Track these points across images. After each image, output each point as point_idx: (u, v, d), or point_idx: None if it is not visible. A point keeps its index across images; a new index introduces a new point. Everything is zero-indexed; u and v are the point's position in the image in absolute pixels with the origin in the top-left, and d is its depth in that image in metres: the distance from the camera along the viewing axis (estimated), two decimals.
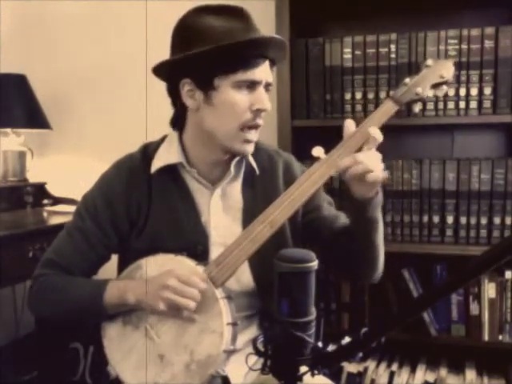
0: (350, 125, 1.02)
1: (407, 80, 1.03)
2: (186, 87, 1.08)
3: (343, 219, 1.19)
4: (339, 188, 1.77)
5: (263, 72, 1.06)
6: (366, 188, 1.01)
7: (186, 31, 1.08)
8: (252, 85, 1.05)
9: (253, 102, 1.06)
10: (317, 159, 1.01)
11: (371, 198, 1.03)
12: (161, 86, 1.15)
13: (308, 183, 1.01)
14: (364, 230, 1.07)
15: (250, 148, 1.11)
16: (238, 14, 1.06)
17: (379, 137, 0.99)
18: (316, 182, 1.00)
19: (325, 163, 1.01)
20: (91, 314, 1.10)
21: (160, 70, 1.10)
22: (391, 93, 1.05)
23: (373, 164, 0.97)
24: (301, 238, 1.21)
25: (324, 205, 1.20)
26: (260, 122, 1.09)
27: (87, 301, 1.09)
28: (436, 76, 1.03)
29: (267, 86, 1.09)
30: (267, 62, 1.08)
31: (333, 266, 1.28)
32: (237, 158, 1.15)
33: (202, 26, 1.05)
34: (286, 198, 1.01)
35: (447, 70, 1.03)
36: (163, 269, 1.04)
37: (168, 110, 1.19)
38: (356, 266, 1.14)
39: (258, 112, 1.07)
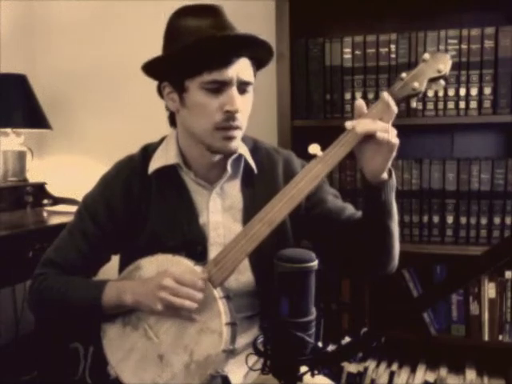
0: (361, 105, 1.01)
1: (404, 75, 1.01)
2: (166, 90, 1.10)
3: (351, 210, 1.18)
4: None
5: (235, 71, 1.03)
6: (380, 158, 0.99)
7: (166, 33, 1.09)
8: (221, 85, 1.03)
9: (222, 103, 1.04)
10: (314, 156, 1.01)
11: (384, 182, 1.02)
12: None
13: (305, 181, 1.00)
14: (378, 216, 1.05)
15: (233, 144, 1.09)
16: (209, 12, 1.05)
17: (393, 105, 0.99)
18: (313, 179, 1.00)
19: (321, 160, 1.00)
20: (90, 314, 1.10)
21: (148, 71, 1.11)
22: (388, 88, 1.04)
23: (386, 127, 0.97)
24: (306, 234, 1.20)
25: (328, 198, 1.19)
26: (234, 123, 1.06)
27: (86, 301, 1.09)
28: (433, 70, 1.01)
29: (243, 84, 1.06)
30: (244, 60, 1.05)
31: (343, 261, 1.26)
32: (233, 157, 1.15)
33: (175, 28, 1.06)
34: (283, 195, 1.01)
35: (444, 63, 1.01)
36: (161, 269, 1.04)
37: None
38: (370, 256, 1.10)
39: (229, 113, 1.05)
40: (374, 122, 0.97)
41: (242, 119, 1.07)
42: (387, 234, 1.07)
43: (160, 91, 1.13)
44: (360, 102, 1.01)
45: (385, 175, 1.02)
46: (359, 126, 0.98)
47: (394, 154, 0.99)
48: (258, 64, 1.11)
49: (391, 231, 1.07)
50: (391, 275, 1.16)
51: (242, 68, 1.04)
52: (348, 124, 0.99)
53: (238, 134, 1.09)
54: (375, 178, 1.02)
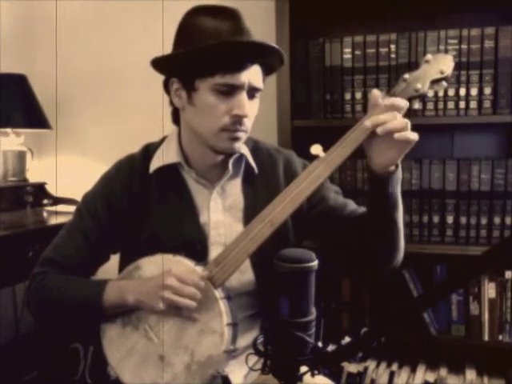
0: (376, 94, 0.99)
1: (406, 76, 1.01)
2: (174, 86, 1.10)
3: (353, 206, 1.18)
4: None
5: (247, 76, 1.04)
6: (394, 152, 0.97)
7: (180, 30, 1.09)
8: (231, 89, 1.03)
9: (231, 106, 1.04)
10: (315, 157, 1.01)
11: (391, 173, 1.01)
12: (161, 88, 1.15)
13: (307, 182, 1.00)
14: (384, 209, 1.04)
15: (237, 145, 1.10)
16: (228, 14, 1.05)
17: (402, 103, 0.97)
18: (315, 180, 1.00)
19: (324, 161, 1.00)
20: (90, 313, 1.10)
21: (155, 66, 1.11)
22: (390, 89, 1.04)
23: (402, 123, 0.95)
24: (309, 233, 1.20)
25: (330, 195, 1.19)
26: (240, 127, 1.06)
27: (86, 300, 1.09)
28: (436, 71, 1.01)
29: (253, 90, 1.06)
30: (256, 67, 1.06)
31: (348, 258, 1.26)
32: (235, 156, 1.15)
33: (192, 27, 1.05)
34: (285, 196, 1.01)
35: (447, 65, 1.01)
36: (161, 269, 1.03)
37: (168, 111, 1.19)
38: (376, 250, 1.10)
39: (236, 117, 1.05)
40: (393, 118, 0.96)
41: (248, 124, 1.08)
42: (394, 226, 1.07)
43: (166, 86, 1.13)
44: (375, 92, 1.00)
45: (392, 167, 1.02)
46: (379, 127, 0.96)
47: (409, 148, 0.98)
48: (268, 71, 1.12)
49: (397, 223, 1.07)
50: (391, 275, 1.16)
51: (253, 74, 1.05)
52: (367, 123, 0.97)
53: (243, 136, 1.09)
54: (383, 169, 1.01)
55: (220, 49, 1.01)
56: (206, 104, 1.05)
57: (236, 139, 1.08)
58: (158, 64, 1.09)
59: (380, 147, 0.99)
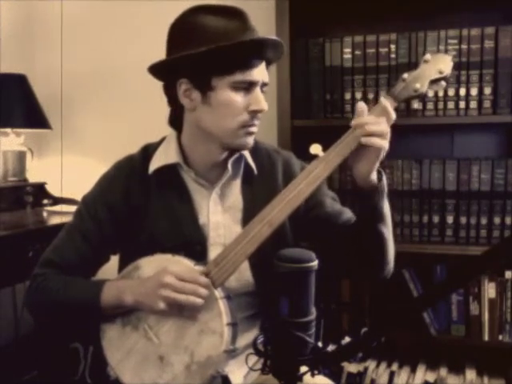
0: (362, 109, 1.01)
1: (405, 75, 1.01)
2: (182, 87, 1.08)
3: (348, 214, 1.18)
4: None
5: (260, 73, 1.06)
6: (366, 161, 1.00)
7: (183, 30, 1.07)
8: (249, 86, 1.05)
9: (249, 102, 1.06)
10: (315, 157, 1.01)
11: (375, 186, 1.02)
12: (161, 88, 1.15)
13: (306, 182, 1.00)
14: (369, 220, 1.06)
15: (251, 140, 1.11)
16: (236, 14, 1.06)
17: (390, 111, 0.99)
18: (314, 181, 1.00)
19: (323, 161, 1.00)
20: (88, 314, 1.10)
21: (156, 70, 1.10)
22: (389, 89, 1.04)
23: (384, 130, 0.97)
24: (305, 235, 1.20)
25: (327, 200, 1.19)
26: (257, 122, 1.09)
27: (84, 301, 1.09)
28: (435, 71, 1.01)
29: (263, 86, 1.09)
30: (264, 63, 1.08)
31: (341, 264, 1.27)
32: (234, 157, 1.15)
33: (199, 26, 1.04)
34: (284, 196, 1.01)
35: (446, 64, 1.01)
36: (161, 269, 1.03)
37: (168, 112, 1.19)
38: (365, 259, 1.11)
39: (254, 113, 1.07)
40: (376, 123, 0.98)
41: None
42: (379, 238, 1.08)
43: (168, 88, 1.12)
44: (361, 106, 1.01)
45: (374, 179, 1.03)
46: (361, 128, 0.98)
47: (381, 157, 1.00)
48: (267, 64, 1.12)
49: (383, 235, 1.08)
50: (391, 275, 1.16)
51: (263, 70, 1.08)
52: (353, 122, 1.00)
53: (256, 130, 1.11)
54: (363, 181, 1.02)
55: (241, 47, 1.02)
56: (225, 101, 1.05)
57: (252, 134, 1.10)
58: (162, 67, 1.08)
59: (357, 156, 1.00)
